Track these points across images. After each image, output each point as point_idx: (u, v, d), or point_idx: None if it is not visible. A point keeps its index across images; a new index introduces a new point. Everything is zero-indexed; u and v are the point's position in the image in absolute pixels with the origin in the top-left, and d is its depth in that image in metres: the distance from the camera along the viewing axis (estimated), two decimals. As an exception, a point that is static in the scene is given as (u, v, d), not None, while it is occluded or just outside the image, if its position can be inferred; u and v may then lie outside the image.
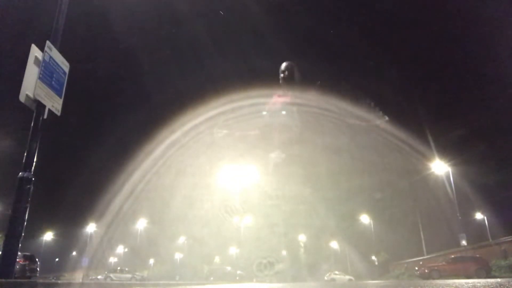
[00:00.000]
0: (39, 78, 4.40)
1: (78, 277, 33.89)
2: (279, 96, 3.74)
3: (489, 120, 29.21)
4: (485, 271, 18.68)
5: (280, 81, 3.75)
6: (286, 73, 3.71)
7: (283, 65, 3.76)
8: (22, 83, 4.26)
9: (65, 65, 4.97)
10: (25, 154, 4.19)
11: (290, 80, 3.70)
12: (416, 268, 24.68)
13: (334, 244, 44.09)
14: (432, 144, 25.35)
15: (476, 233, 32.08)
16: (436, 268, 21.30)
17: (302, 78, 3.75)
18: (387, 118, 3.70)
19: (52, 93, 4.63)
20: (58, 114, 4.78)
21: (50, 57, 4.63)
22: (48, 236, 50.18)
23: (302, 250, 3.53)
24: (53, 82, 4.67)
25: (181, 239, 49.62)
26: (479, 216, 37.41)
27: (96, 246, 41.31)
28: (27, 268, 15.30)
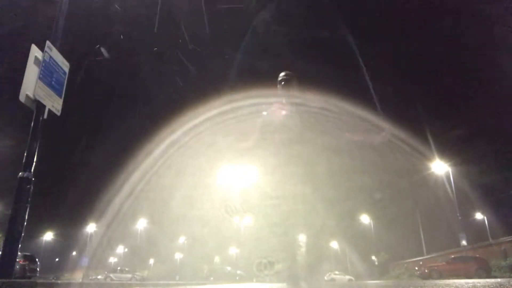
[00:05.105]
0: (39, 78, 4.40)
1: (78, 277, 33.90)
2: (278, 106, 3.75)
3: (489, 120, 29.22)
4: (485, 271, 18.68)
5: (279, 91, 3.75)
6: (283, 83, 3.72)
7: (282, 74, 3.76)
8: (22, 83, 4.26)
9: (65, 65, 4.97)
10: (25, 154, 4.19)
11: (289, 90, 3.71)
12: (416, 268, 24.72)
13: (334, 244, 44.15)
14: (432, 144, 25.38)
15: (476, 233, 32.11)
16: (436, 268, 21.31)
17: (300, 88, 3.76)
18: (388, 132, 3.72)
19: (52, 93, 4.63)
20: (58, 114, 4.78)
21: (50, 57, 4.63)
22: (48, 236, 50.21)
23: (302, 250, 3.52)
24: (53, 82, 4.67)
25: (181, 239, 49.64)
26: (479, 216, 37.44)
27: (96, 246, 41.32)
28: (27, 268, 15.32)
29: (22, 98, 4.23)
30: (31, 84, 4.32)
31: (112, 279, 29.11)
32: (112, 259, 55.42)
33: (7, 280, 3.43)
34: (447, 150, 27.27)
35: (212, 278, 33.23)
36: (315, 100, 3.64)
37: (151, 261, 52.19)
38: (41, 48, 4.51)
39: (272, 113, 3.67)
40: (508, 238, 21.86)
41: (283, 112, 3.58)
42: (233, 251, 44.67)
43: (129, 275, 30.72)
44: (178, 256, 51.36)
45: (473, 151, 28.30)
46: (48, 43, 4.60)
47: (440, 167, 27.23)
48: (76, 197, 36.78)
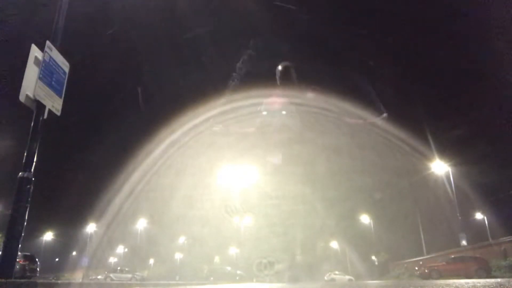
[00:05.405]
0: (39, 78, 4.40)
1: (78, 277, 33.88)
2: (276, 96, 3.75)
3: (489, 119, 29.21)
4: (485, 271, 18.68)
5: (278, 82, 3.75)
6: (283, 74, 3.72)
7: (280, 66, 3.76)
8: (22, 83, 4.26)
9: (65, 65, 4.97)
10: (25, 154, 4.19)
11: (287, 81, 3.71)
12: (416, 268, 24.70)
13: (334, 244, 44.08)
14: (432, 144, 25.39)
15: (476, 233, 32.11)
16: (436, 268, 21.30)
17: (298, 79, 3.76)
18: (385, 114, 3.71)
19: (52, 93, 4.63)
20: (58, 114, 4.78)
21: (50, 57, 4.63)
22: (48, 236, 50.16)
23: (301, 250, 3.52)
24: (53, 82, 4.67)
25: (181, 239, 49.63)
26: (479, 216, 37.42)
27: (96, 246, 41.30)
28: (27, 268, 15.28)
29: (22, 98, 4.23)
30: (31, 84, 4.32)
31: (112, 279, 29.06)
32: (112, 259, 55.43)
33: (7, 280, 3.43)
34: (447, 150, 27.29)
35: (212, 278, 33.17)
36: (315, 100, 3.64)
37: (151, 261, 52.19)
38: (41, 48, 4.51)
39: (270, 105, 3.67)
40: (508, 238, 21.84)
41: (283, 112, 3.58)
42: (233, 251, 44.61)
43: (129, 275, 30.67)
44: (178, 256, 51.37)
45: (473, 151, 28.29)
46: (48, 43, 4.60)
47: (440, 167, 27.22)
48: (76, 197, 36.77)
